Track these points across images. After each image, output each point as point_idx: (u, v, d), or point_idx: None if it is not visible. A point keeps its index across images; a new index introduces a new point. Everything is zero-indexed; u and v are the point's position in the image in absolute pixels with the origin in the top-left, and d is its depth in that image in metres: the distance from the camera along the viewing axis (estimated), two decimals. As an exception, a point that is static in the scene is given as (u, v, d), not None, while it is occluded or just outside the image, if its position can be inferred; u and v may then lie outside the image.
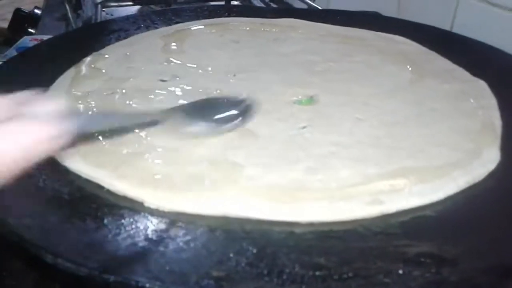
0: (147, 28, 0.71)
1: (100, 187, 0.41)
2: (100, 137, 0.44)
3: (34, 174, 0.42)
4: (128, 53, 0.63)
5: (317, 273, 0.32)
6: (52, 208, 0.39)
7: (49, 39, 0.70)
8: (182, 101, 0.53)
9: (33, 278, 0.48)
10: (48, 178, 0.42)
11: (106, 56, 0.62)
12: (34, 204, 0.39)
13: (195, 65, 0.62)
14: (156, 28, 0.71)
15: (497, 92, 0.56)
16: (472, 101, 0.55)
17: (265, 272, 0.32)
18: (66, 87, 0.54)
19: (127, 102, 0.52)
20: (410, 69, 0.62)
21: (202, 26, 0.73)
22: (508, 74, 0.61)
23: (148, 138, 0.46)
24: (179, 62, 0.62)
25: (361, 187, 0.41)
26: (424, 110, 0.53)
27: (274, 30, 0.73)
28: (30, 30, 1.00)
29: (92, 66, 0.59)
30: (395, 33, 0.72)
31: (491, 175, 0.43)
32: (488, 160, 0.45)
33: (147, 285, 0.31)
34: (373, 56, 0.66)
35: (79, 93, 0.53)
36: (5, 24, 1.08)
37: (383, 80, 0.60)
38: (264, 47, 0.68)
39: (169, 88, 0.56)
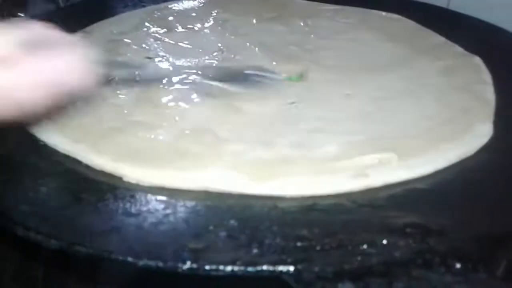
0: (135, 6, 0.70)
1: (78, 162, 0.40)
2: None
3: (11, 147, 0.41)
4: (114, 31, 0.62)
5: (299, 244, 0.31)
6: (29, 182, 0.38)
7: (34, 18, 0.68)
8: (168, 78, 0.52)
9: (16, 257, 0.47)
10: (26, 152, 0.40)
11: (90, 33, 0.60)
12: (9, 178, 0.38)
13: (182, 43, 0.60)
14: (144, 6, 0.70)
15: (492, 68, 0.55)
16: (466, 76, 0.53)
17: (245, 243, 0.31)
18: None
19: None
20: (404, 46, 0.61)
21: (192, 4, 0.71)
22: (504, 50, 0.59)
23: (126, 112, 0.45)
24: (166, 40, 0.61)
25: (347, 161, 0.39)
26: (416, 86, 0.52)
27: (266, 8, 0.72)
28: (19, 14, 0.99)
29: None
30: (389, 11, 0.70)
31: (483, 149, 0.42)
32: (480, 134, 0.44)
33: (120, 257, 0.29)
34: (366, 33, 0.64)
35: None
36: (-6, 9, 1.06)
37: (376, 56, 0.58)
38: (255, 26, 0.66)
39: (155, 65, 0.54)
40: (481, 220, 0.34)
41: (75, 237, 0.31)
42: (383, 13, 0.70)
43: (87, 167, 0.39)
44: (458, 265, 0.28)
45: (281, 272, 0.29)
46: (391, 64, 0.57)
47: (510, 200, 0.36)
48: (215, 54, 0.58)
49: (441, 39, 0.62)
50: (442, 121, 0.45)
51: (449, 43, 0.61)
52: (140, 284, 0.43)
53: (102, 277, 0.46)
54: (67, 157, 0.40)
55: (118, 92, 0.48)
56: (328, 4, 0.72)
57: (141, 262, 0.29)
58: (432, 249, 0.29)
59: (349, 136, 0.43)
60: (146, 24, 0.64)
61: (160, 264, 0.29)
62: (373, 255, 0.29)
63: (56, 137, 0.41)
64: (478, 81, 0.52)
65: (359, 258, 0.29)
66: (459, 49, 0.59)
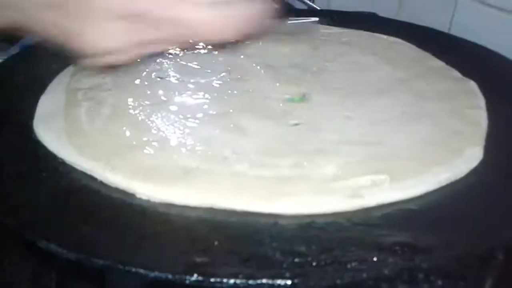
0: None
1: (94, 179, 0.43)
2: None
3: (30, 165, 0.44)
4: (127, 52, 0.65)
5: (296, 259, 0.33)
6: (48, 198, 0.41)
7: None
8: (179, 96, 0.55)
9: (31, 266, 0.50)
10: (45, 170, 0.43)
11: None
12: (31, 193, 0.41)
13: (192, 63, 0.63)
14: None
15: (487, 93, 0.57)
16: (461, 101, 0.56)
17: (247, 258, 0.34)
18: (65, 82, 0.56)
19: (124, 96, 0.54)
20: (403, 69, 0.63)
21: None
22: (499, 75, 0.62)
23: (138, 130, 0.48)
24: (176, 60, 0.64)
25: (343, 182, 0.42)
26: (413, 109, 0.54)
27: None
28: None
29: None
30: (391, 34, 0.73)
31: (473, 172, 0.45)
32: (470, 158, 0.46)
33: (133, 269, 0.32)
34: (367, 56, 0.67)
35: (78, 89, 0.55)
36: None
37: (376, 79, 0.61)
38: (262, 47, 0.69)
39: (165, 85, 0.58)
40: (466, 240, 0.36)
41: (91, 250, 0.34)
42: (385, 37, 0.72)
43: (102, 184, 0.42)
44: (439, 282, 0.31)
45: (279, 285, 0.31)
46: (390, 87, 0.59)
47: (495, 223, 0.39)
48: (223, 74, 0.61)
49: (440, 63, 0.65)
50: (434, 144, 0.48)
51: (447, 67, 0.64)
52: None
53: (111, 285, 0.49)
54: (84, 174, 0.43)
55: (130, 111, 0.51)
56: (332, 27, 0.75)
57: (152, 274, 0.32)
58: (418, 267, 0.32)
59: (346, 158, 0.45)
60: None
61: (170, 276, 0.32)
62: (364, 271, 0.32)
63: (73, 155, 0.44)
64: (472, 105, 0.55)
65: (351, 273, 0.32)
66: (456, 73, 0.62)
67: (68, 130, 0.48)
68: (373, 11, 0.85)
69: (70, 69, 0.59)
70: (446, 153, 0.46)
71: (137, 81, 0.58)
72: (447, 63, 0.65)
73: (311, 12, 0.89)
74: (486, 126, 0.51)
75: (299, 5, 0.96)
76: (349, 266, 0.32)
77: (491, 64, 0.65)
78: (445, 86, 0.59)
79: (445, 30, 0.80)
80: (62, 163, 0.44)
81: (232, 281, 0.31)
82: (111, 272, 0.37)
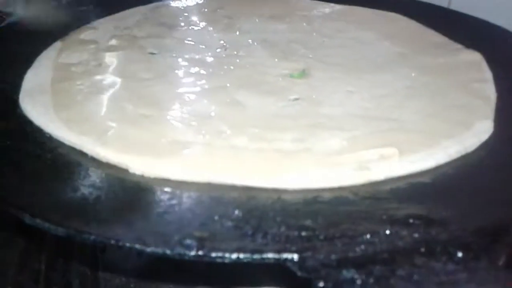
0: (136, 2, 0.70)
1: (84, 154, 0.40)
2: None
3: (16, 140, 0.41)
4: (117, 27, 0.62)
5: (303, 233, 0.31)
6: (35, 173, 0.38)
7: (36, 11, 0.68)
8: (174, 71, 0.52)
9: (18, 250, 0.48)
10: (31, 145, 0.41)
11: (95, 29, 0.61)
12: (17, 169, 0.38)
13: (186, 39, 0.61)
14: (149, 2, 0.70)
15: (493, 66, 0.55)
16: (467, 74, 0.54)
17: (250, 233, 0.31)
18: (53, 57, 0.53)
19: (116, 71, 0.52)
20: (405, 44, 0.61)
21: (194, 2, 0.72)
22: (504, 48, 0.60)
23: (131, 104, 0.45)
24: (170, 36, 0.61)
25: (349, 155, 0.40)
26: (417, 83, 0.52)
27: (268, 6, 0.72)
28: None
29: (81, 38, 0.58)
30: (390, 10, 0.71)
31: (483, 146, 0.43)
32: (480, 131, 0.44)
33: (127, 244, 0.30)
34: (367, 32, 0.65)
35: (66, 64, 0.52)
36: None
37: (377, 54, 0.59)
38: (259, 23, 0.67)
39: (158, 60, 0.55)
40: (481, 212, 0.34)
41: (82, 226, 0.32)
42: (385, 12, 0.70)
43: (93, 159, 0.39)
44: (459, 254, 0.29)
45: (286, 259, 0.29)
46: (392, 62, 0.57)
47: (508, 194, 0.37)
48: (218, 50, 0.59)
49: (442, 38, 0.63)
50: (443, 118, 0.45)
51: (450, 41, 0.62)
52: (144, 274, 0.43)
53: (105, 267, 0.46)
54: (72, 149, 0.40)
55: (122, 86, 0.49)
56: (330, 3, 0.73)
57: (149, 249, 0.30)
58: (434, 239, 0.30)
59: (351, 132, 0.43)
60: (150, 20, 0.65)
61: (167, 251, 0.29)
62: (376, 244, 0.30)
63: (62, 130, 0.42)
64: (479, 79, 0.53)
65: (362, 246, 0.29)
66: (459, 47, 0.60)
67: (56, 105, 0.45)
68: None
69: (57, 45, 0.56)
70: (455, 126, 0.44)
71: (130, 56, 0.55)
72: (451, 38, 0.63)
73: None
74: (495, 99, 0.49)
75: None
76: (359, 239, 0.30)
77: (495, 37, 0.63)
78: (449, 60, 0.57)
79: (445, 5, 0.78)
80: (50, 137, 0.42)
81: (235, 255, 0.29)
82: (102, 250, 0.35)
